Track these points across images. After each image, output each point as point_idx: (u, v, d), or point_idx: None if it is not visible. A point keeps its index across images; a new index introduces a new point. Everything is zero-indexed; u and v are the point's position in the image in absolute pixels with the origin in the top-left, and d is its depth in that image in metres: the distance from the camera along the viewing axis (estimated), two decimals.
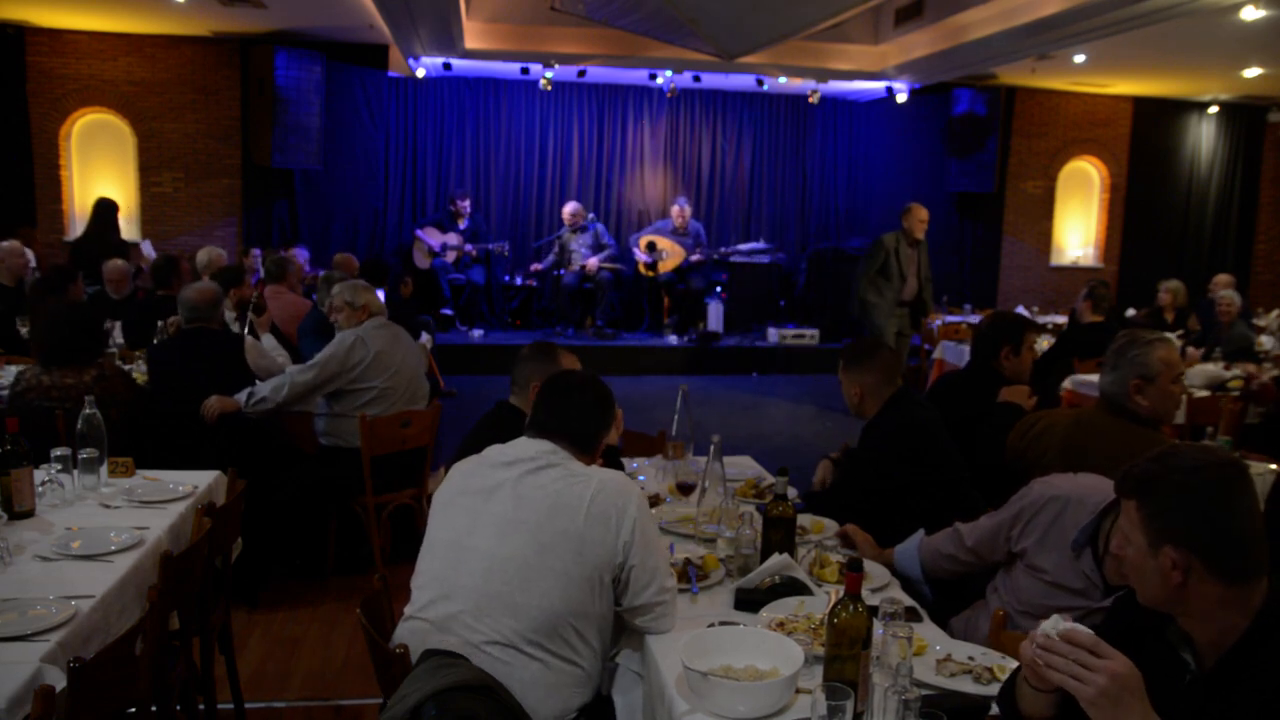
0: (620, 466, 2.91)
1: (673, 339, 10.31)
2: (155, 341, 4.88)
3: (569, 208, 10.35)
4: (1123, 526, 1.58)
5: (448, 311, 10.11)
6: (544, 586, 1.97)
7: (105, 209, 8.69)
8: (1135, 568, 1.55)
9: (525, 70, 10.20)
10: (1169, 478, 1.52)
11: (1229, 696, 1.45)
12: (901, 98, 10.59)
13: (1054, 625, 1.48)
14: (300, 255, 8.46)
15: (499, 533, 2.02)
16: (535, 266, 10.45)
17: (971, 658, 1.98)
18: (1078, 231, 12.06)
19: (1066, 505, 2.26)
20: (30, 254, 8.03)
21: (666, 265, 10.37)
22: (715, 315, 10.34)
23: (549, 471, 2.08)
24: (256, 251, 8.88)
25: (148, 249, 8.90)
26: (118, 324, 5.42)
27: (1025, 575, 2.33)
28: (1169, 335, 2.97)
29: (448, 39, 8.71)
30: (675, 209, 10.51)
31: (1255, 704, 1.41)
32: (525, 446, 2.15)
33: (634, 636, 2.14)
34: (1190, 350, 6.38)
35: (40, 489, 2.74)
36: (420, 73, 10.13)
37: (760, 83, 10.69)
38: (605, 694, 2.16)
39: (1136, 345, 2.85)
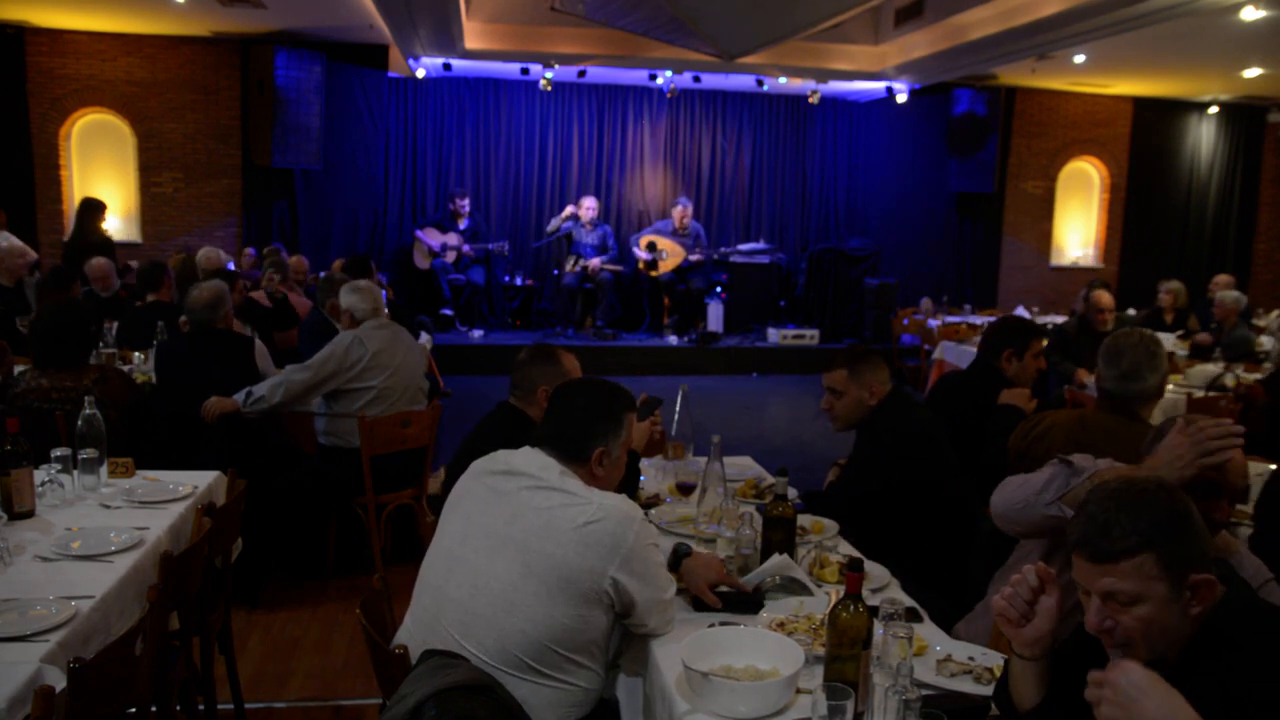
0: (637, 473, 2.88)
1: (673, 339, 10.31)
2: (157, 341, 4.88)
3: (588, 202, 10.33)
4: (1125, 591, 1.43)
5: (447, 312, 10.10)
6: (529, 613, 1.94)
7: (85, 208, 8.59)
8: (1154, 624, 1.43)
9: (525, 70, 10.20)
10: (1167, 509, 1.44)
11: (1194, 685, 1.46)
12: (901, 98, 10.59)
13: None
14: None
15: (489, 547, 2.00)
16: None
17: (972, 658, 1.98)
18: (1078, 232, 12.06)
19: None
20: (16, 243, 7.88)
21: (667, 265, 10.36)
22: (715, 315, 10.34)
23: (550, 494, 2.02)
24: (251, 251, 8.86)
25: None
26: (115, 324, 5.41)
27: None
28: (1155, 334, 2.98)
29: (448, 39, 8.71)
30: (676, 209, 10.50)
31: (1218, 689, 1.43)
32: (531, 460, 2.10)
33: (635, 637, 2.14)
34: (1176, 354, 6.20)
35: (40, 489, 2.74)
36: (420, 73, 10.12)
37: (760, 83, 10.68)
38: (608, 697, 2.15)
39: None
